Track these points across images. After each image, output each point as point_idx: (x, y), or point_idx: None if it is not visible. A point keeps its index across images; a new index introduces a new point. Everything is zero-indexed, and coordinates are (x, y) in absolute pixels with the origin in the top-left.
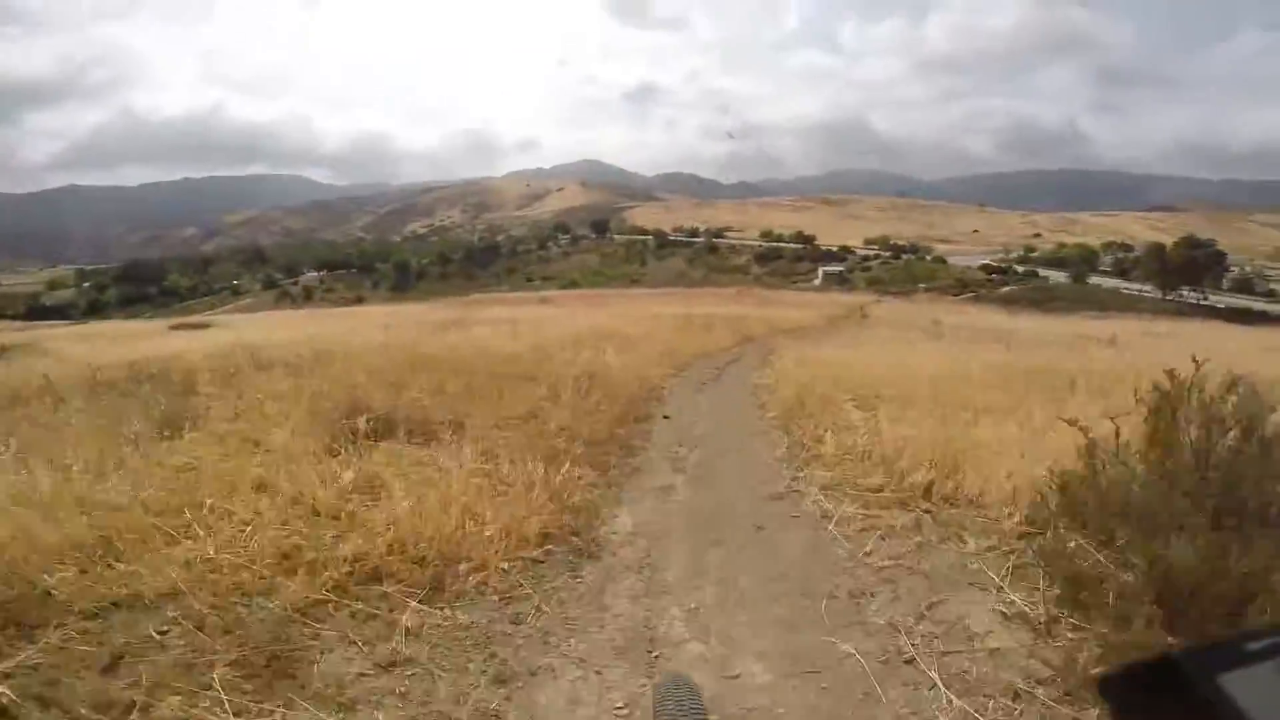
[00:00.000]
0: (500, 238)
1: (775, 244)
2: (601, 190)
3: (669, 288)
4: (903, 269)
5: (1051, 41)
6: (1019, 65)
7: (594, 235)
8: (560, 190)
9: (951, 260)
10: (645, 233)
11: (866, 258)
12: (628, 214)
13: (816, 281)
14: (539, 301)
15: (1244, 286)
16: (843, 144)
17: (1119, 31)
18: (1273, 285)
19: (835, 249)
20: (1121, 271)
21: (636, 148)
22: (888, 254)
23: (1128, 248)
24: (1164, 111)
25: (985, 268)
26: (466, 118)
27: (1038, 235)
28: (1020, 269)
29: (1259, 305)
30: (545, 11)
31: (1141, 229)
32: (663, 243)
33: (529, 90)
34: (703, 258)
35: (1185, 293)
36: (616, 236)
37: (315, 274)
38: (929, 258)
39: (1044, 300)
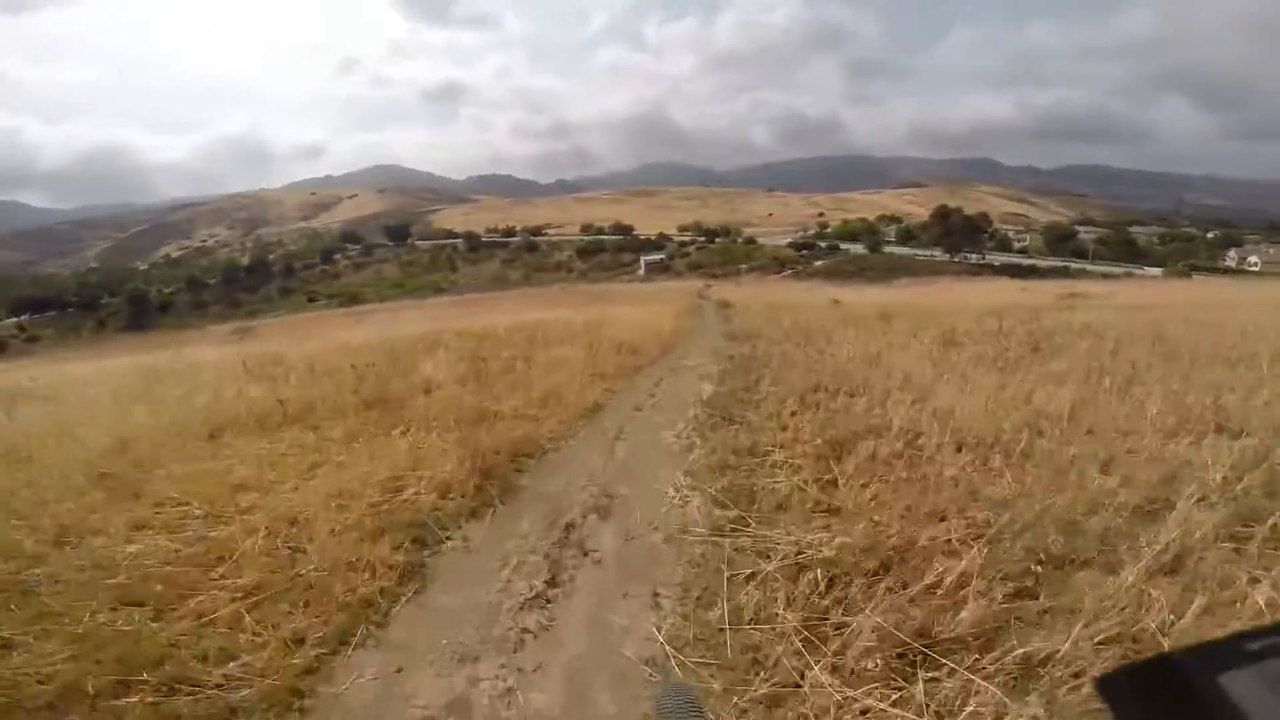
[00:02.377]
0: (273, 255)
1: (596, 237)
2: (403, 195)
3: (481, 293)
4: (720, 251)
5: (817, 36)
6: (790, 60)
7: (391, 243)
8: (352, 198)
9: (759, 240)
10: (454, 236)
11: (684, 244)
12: (434, 218)
13: (640, 271)
14: (234, 335)
15: (1003, 245)
16: (650, 138)
17: (868, 27)
18: (1020, 244)
19: (654, 237)
20: (905, 239)
21: (443, 150)
22: (702, 238)
23: (897, 220)
24: (901, 100)
25: (794, 245)
26: (230, 124)
27: (821, 215)
28: (824, 244)
29: (1026, 261)
30: (323, 7)
31: (900, 204)
32: (475, 245)
33: (309, 93)
34: (521, 258)
35: (969, 255)
36: (420, 243)
37: (13, 318)
38: (739, 240)
39: (859, 271)
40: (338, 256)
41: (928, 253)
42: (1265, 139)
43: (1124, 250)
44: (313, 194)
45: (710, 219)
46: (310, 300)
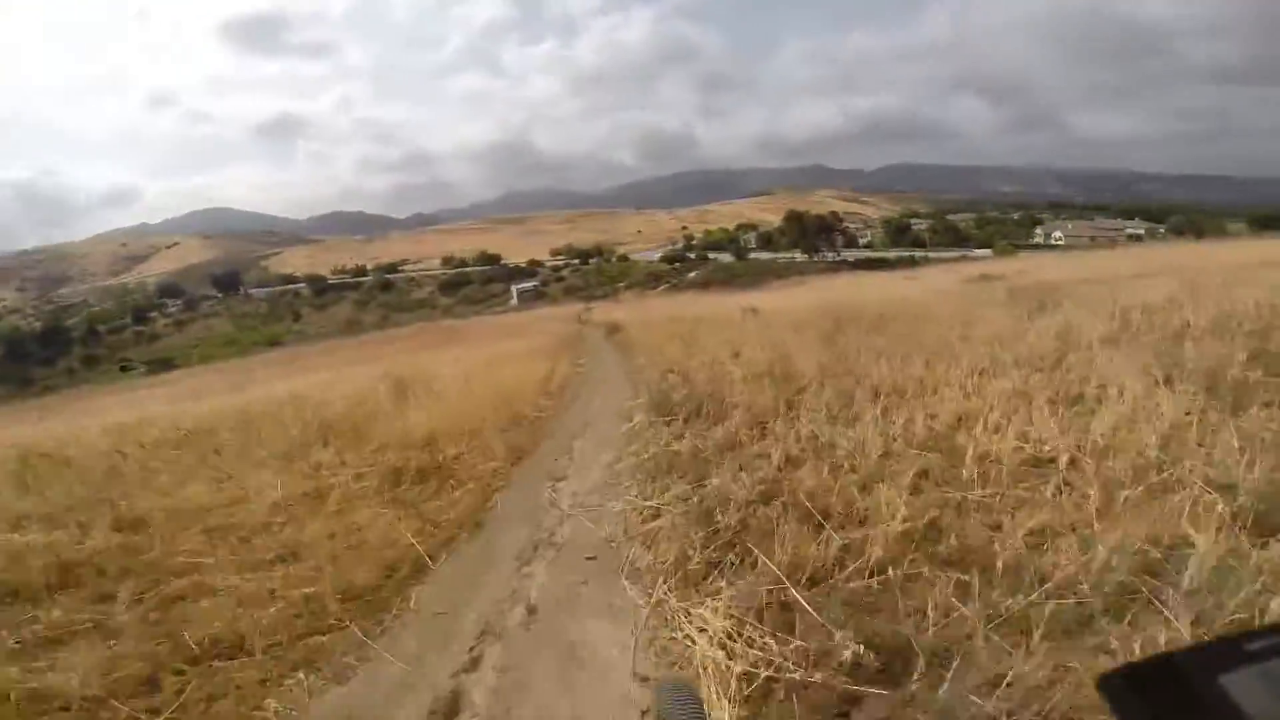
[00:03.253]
0: (73, 320)
1: (460, 269)
2: (233, 240)
3: (331, 340)
4: (595, 272)
5: (667, 53)
6: (646, 78)
7: (220, 294)
8: (172, 247)
9: (633, 258)
10: (295, 281)
11: (557, 268)
12: (270, 263)
13: (513, 301)
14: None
15: (850, 242)
16: (514, 165)
17: (714, 42)
18: (864, 240)
19: (524, 264)
20: (765, 244)
21: (281, 189)
22: (576, 260)
23: (754, 227)
24: (747, 112)
25: (666, 259)
26: (15, 171)
27: (685, 228)
28: (692, 255)
29: (875, 255)
30: (119, 34)
31: (754, 212)
32: (322, 289)
33: (111, 131)
34: (376, 298)
35: (826, 255)
36: (255, 291)
37: None
38: (613, 259)
39: (732, 278)
40: (153, 315)
41: (788, 255)
42: (1038, 128)
43: (950, 236)
44: (123, 245)
45: (583, 241)
46: (124, 369)
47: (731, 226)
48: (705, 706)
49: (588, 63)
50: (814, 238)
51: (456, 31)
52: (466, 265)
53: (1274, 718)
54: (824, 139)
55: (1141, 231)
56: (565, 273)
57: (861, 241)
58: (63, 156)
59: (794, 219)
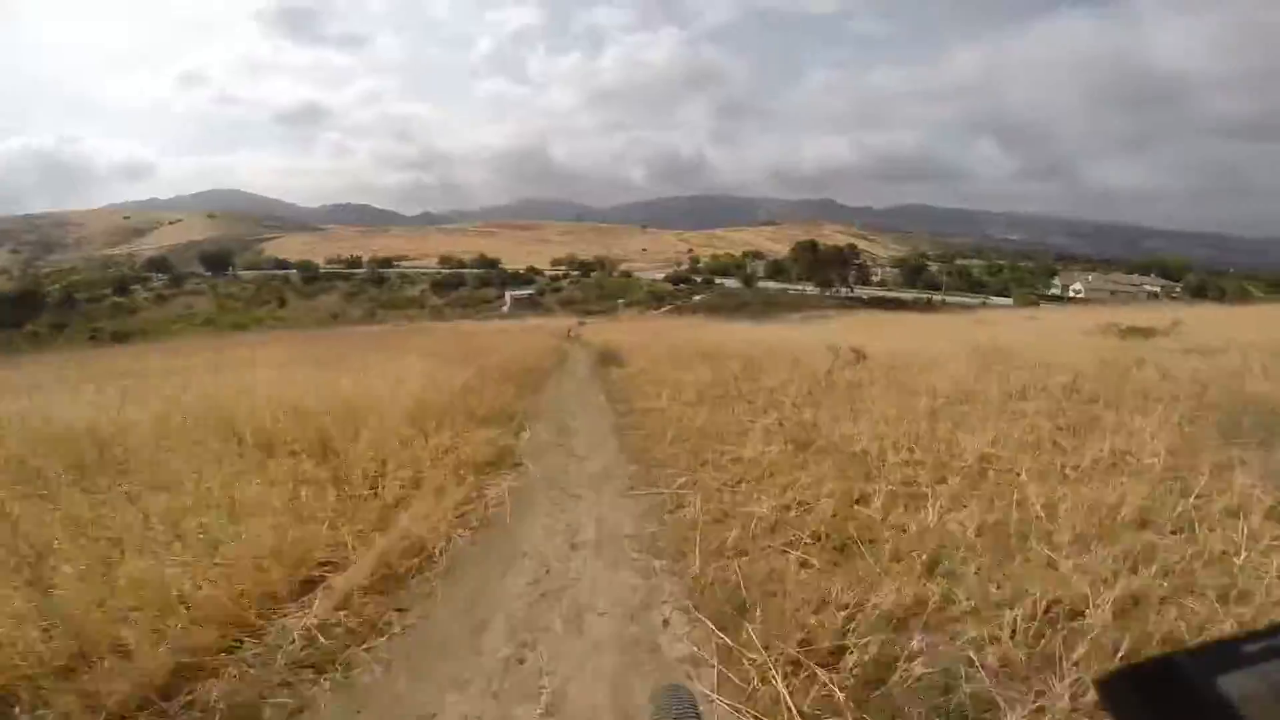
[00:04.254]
0: (52, 286)
1: (457, 270)
2: (238, 222)
3: (309, 331)
4: (595, 286)
5: (690, 76)
6: (666, 98)
7: (208, 272)
8: (175, 223)
9: (635, 275)
10: (286, 266)
11: (555, 278)
12: (267, 246)
13: (505, 308)
14: None
15: (862, 279)
16: (527, 173)
17: (738, 69)
18: (876, 277)
19: (523, 271)
20: (773, 274)
21: (297, 176)
22: (577, 272)
23: (761, 256)
24: (762, 141)
25: (670, 278)
26: (38, 136)
27: (691, 251)
28: (698, 279)
29: (891, 294)
30: (165, 11)
31: (762, 240)
32: (312, 277)
33: (140, 105)
34: (366, 292)
35: (840, 290)
36: (244, 273)
37: None
38: (615, 273)
39: (740, 306)
40: (135, 288)
41: (799, 287)
42: (1049, 178)
43: (964, 281)
44: (126, 218)
45: (586, 254)
46: (92, 338)
47: (738, 253)
48: (699, 712)
49: (610, 78)
50: (827, 270)
51: (487, 34)
52: (464, 266)
53: (1274, 719)
54: (836, 173)
55: (1158, 289)
56: (564, 283)
57: (875, 279)
58: (87, 125)
59: (808, 249)
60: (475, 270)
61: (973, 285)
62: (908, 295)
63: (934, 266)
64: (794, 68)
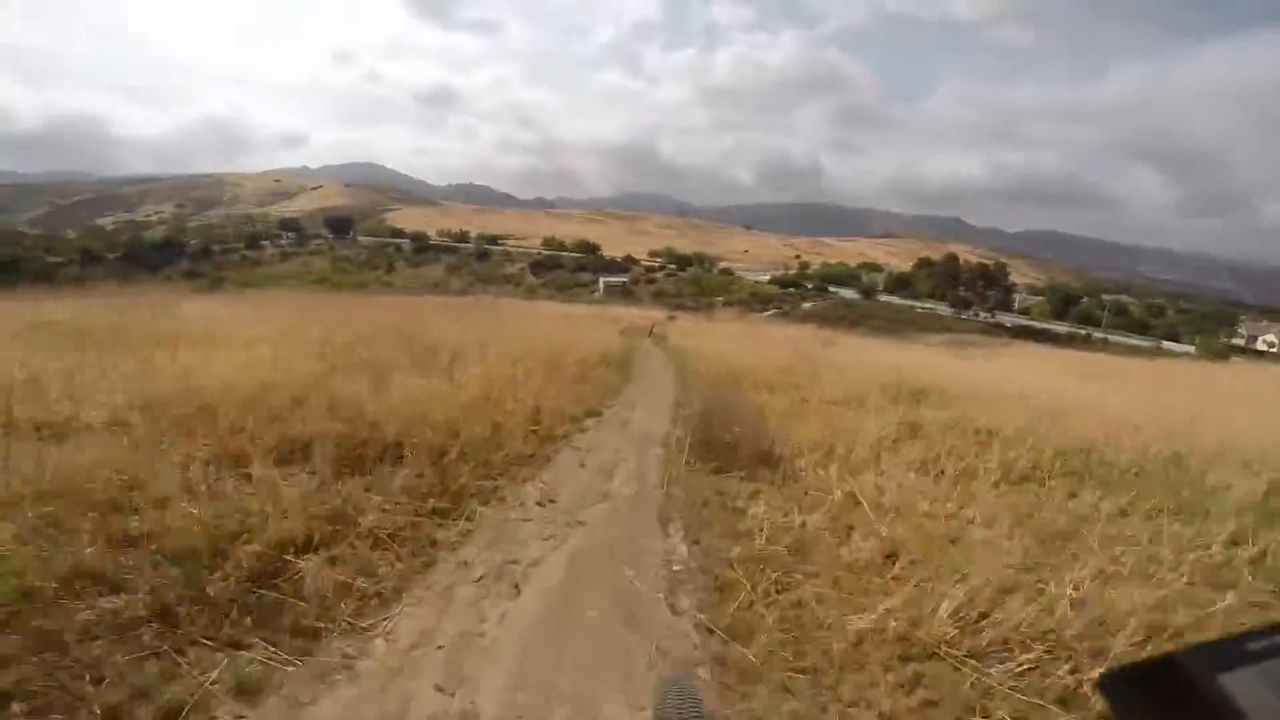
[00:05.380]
0: (194, 238)
1: (556, 252)
2: (369, 193)
3: (409, 296)
4: (691, 281)
5: (811, 80)
6: (783, 101)
7: (330, 235)
8: (316, 189)
9: (738, 273)
10: (401, 235)
11: (651, 269)
12: (390, 216)
13: (598, 294)
14: None
15: (1003, 304)
16: (635, 167)
17: (863, 75)
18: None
19: (620, 259)
20: (897, 288)
21: (427, 155)
22: (673, 265)
23: (877, 268)
24: (882, 152)
25: (776, 281)
26: (212, 103)
27: (797, 256)
28: (809, 285)
29: (1038, 325)
30: None
31: (878, 253)
32: (422, 247)
33: (300, 80)
34: (469, 265)
35: (978, 313)
36: (362, 239)
37: None
38: (715, 270)
39: (860, 319)
40: (264, 243)
41: (928, 305)
42: (1212, 214)
43: (1122, 320)
44: (276, 181)
45: (686, 248)
46: (212, 286)
47: (852, 263)
48: (702, 702)
49: (725, 77)
50: (966, 289)
51: (607, 26)
52: (565, 250)
53: (1274, 718)
54: (963, 190)
55: None
56: (659, 275)
57: (1017, 306)
58: (252, 96)
59: (950, 261)
60: (574, 254)
61: (1134, 325)
62: (1059, 328)
63: (1084, 299)
64: (925, 77)
